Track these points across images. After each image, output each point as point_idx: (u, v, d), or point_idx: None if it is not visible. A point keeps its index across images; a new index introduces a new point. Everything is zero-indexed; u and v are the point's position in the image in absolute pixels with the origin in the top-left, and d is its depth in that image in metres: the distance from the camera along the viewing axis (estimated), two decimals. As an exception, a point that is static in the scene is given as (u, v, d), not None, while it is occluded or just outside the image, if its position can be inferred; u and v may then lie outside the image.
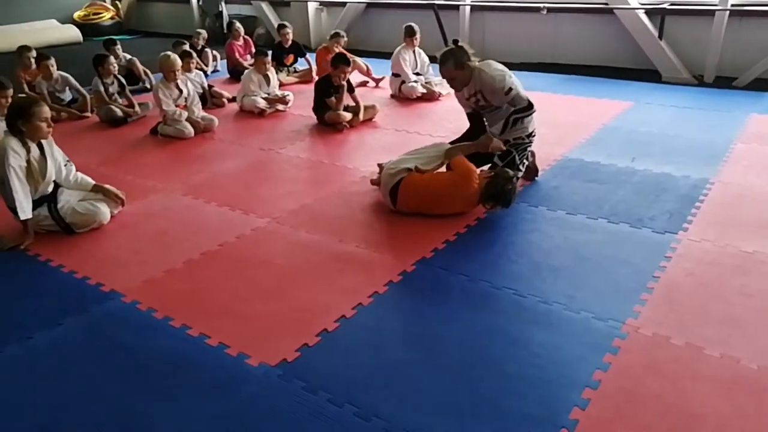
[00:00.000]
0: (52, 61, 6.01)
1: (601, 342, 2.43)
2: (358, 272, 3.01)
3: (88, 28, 11.95)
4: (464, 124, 4.21)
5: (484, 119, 4.00)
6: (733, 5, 6.71)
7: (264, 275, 3.01)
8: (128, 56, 7.29)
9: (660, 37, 7.14)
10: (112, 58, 6.03)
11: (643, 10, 7.23)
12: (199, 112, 5.56)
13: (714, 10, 6.76)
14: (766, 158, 4.48)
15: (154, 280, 2.98)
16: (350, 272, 3.02)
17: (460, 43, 3.83)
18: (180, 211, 3.82)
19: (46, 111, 3.32)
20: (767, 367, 2.27)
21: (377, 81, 7.34)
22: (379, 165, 4.11)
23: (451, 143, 3.97)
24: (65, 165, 3.54)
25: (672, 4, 7.15)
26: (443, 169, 3.73)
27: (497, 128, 3.83)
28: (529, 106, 3.78)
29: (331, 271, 3.04)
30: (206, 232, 3.48)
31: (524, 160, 3.93)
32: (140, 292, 2.86)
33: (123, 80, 6.14)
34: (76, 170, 3.63)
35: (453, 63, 3.73)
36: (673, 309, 2.65)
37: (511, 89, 3.70)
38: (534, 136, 3.97)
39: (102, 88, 5.84)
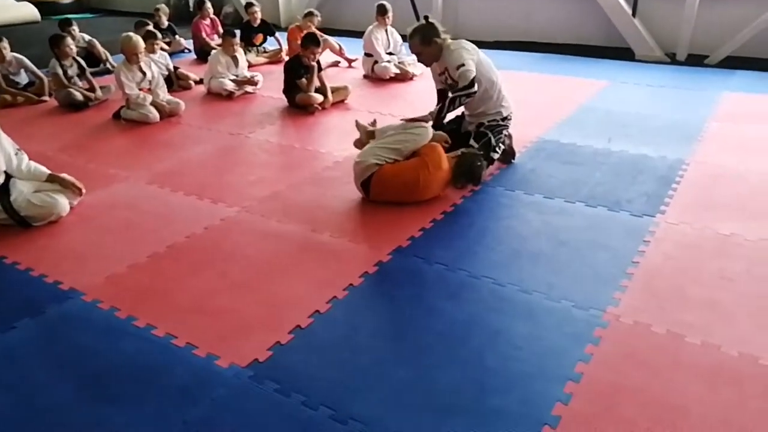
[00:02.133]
0: (5, 42, 5.68)
1: (583, 332, 2.38)
2: (332, 263, 2.91)
3: (45, 6, 11.42)
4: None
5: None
6: (705, -18, 6.69)
7: (233, 268, 2.88)
8: (87, 37, 6.98)
9: (633, 14, 7.09)
10: (69, 39, 5.72)
11: (617, -13, 7.16)
12: (164, 95, 5.35)
13: (687, -13, 6.73)
14: (739, 137, 4.49)
15: (117, 276, 2.83)
16: (324, 263, 2.91)
17: (430, 20, 3.78)
18: (144, 201, 3.65)
19: None
20: (747, 354, 2.24)
21: (350, 61, 7.16)
22: (357, 123, 3.98)
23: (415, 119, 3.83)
24: (15, 154, 3.33)
25: (645, -19, 7.09)
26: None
27: (433, 112, 3.77)
28: (470, 85, 3.58)
29: (303, 262, 2.93)
30: (172, 223, 3.33)
31: (500, 144, 3.85)
32: (102, 290, 2.71)
33: (83, 62, 5.85)
34: (29, 159, 3.42)
35: (419, 38, 3.70)
36: (654, 295, 2.61)
37: (462, 65, 3.57)
38: (510, 119, 3.90)
39: (60, 71, 5.54)
